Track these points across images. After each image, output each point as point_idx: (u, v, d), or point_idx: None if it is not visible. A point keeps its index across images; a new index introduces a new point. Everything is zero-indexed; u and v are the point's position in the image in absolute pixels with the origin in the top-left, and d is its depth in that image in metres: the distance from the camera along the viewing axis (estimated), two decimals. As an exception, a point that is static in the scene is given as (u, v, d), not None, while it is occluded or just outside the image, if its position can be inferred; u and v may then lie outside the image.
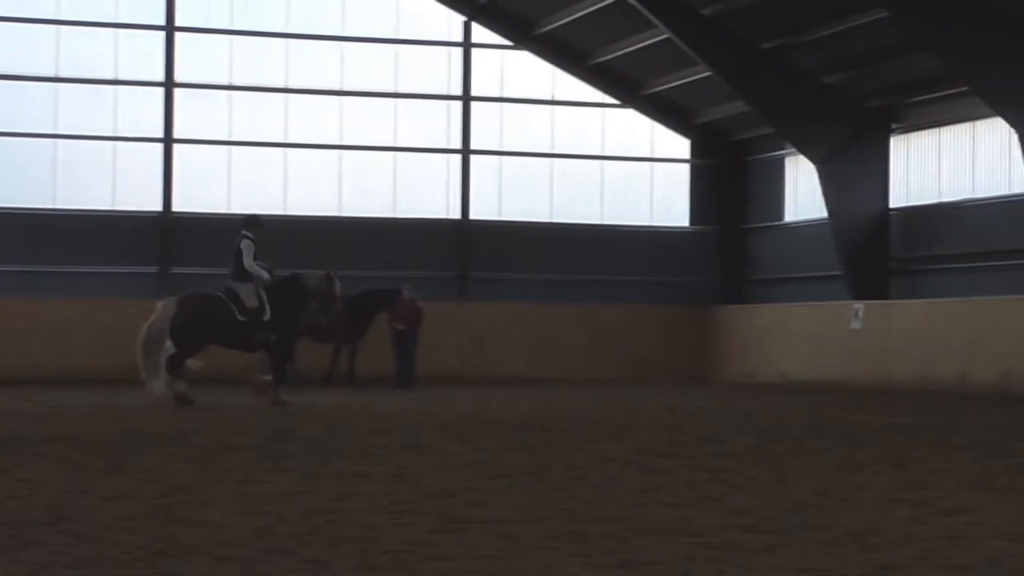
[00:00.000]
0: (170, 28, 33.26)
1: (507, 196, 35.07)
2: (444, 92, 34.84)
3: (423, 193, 34.61)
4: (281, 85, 33.88)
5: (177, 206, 33.18)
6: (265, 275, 20.89)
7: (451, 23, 34.77)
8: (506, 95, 35.17)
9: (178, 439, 14.14)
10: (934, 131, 30.63)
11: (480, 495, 9.44)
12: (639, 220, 35.75)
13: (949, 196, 30.22)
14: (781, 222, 35.02)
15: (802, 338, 31.60)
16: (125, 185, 33.00)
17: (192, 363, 21.07)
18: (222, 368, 24.07)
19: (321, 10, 34.02)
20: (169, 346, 20.55)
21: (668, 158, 36.11)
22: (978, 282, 28.79)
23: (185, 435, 14.69)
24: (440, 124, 34.84)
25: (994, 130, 28.23)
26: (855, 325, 30.21)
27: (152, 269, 33.00)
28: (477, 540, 7.45)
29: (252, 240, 21.10)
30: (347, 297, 29.50)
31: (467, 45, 34.92)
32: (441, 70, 34.81)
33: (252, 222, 21.55)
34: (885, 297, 30.91)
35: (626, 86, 35.27)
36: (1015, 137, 26.52)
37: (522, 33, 34.78)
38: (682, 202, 36.25)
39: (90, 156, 32.95)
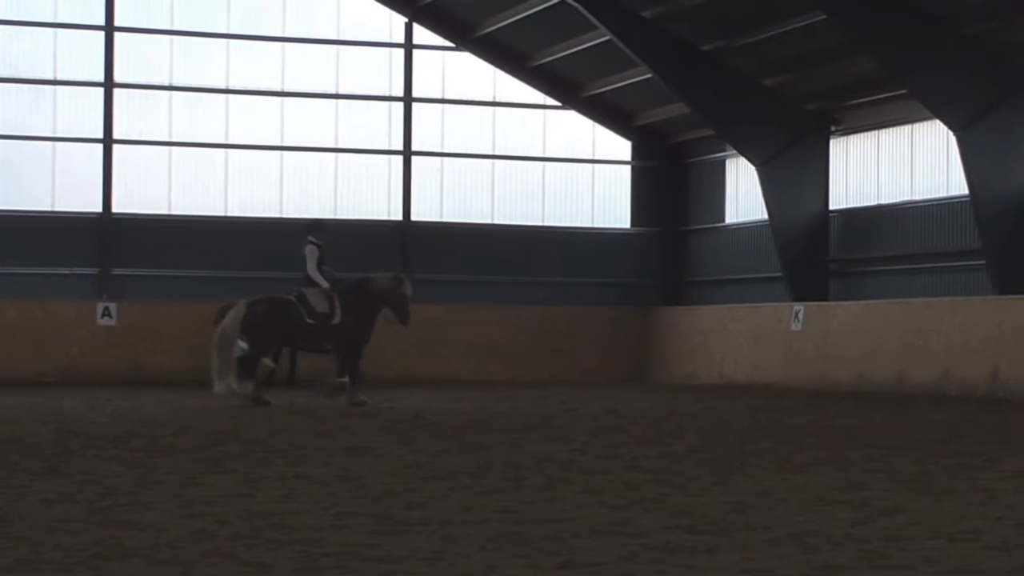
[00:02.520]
0: (109, 28, 33.03)
1: (448, 197, 35.05)
2: (385, 93, 34.79)
3: (364, 194, 34.55)
4: (222, 86, 33.71)
5: (117, 207, 32.95)
6: (324, 283, 20.90)
7: (392, 24, 34.72)
8: (447, 96, 35.15)
9: (117, 441, 14.05)
10: (873, 133, 30.87)
11: (421, 497, 9.44)
12: (580, 222, 35.82)
13: (888, 198, 30.46)
14: (722, 224, 35.18)
15: (743, 339, 31.77)
16: (65, 186, 32.74)
17: (265, 361, 21.47)
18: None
19: (262, 11, 33.88)
20: (242, 347, 20.80)
21: (609, 160, 36.21)
22: (916, 284, 29.04)
23: (124, 437, 14.60)
24: (381, 125, 34.79)
25: (932, 133, 28.48)
26: (795, 326, 30.40)
27: (92, 271, 32.76)
28: (418, 542, 7.45)
29: (316, 245, 21.17)
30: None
31: (408, 46, 34.88)
32: (382, 71, 34.76)
33: (315, 226, 21.63)
34: (824, 298, 31.12)
35: (567, 88, 35.34)
36: (953, 139, 26.77)
37: (463, 34, 34.78)
38: (623, 204, 36.36)
39: (29, 156, 32.66)
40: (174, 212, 33.29)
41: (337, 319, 20.88)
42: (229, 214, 33.54)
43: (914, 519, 8.44)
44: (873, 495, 9.67)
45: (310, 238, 21.36)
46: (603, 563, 6.86)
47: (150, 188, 33.21)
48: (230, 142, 33.72)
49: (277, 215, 33.81)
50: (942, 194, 28.76)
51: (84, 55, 32.95)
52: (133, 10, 33.16)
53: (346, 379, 21.19)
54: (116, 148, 33.12)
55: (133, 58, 33.25)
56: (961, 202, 27.39)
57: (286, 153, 34.05)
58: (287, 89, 34.06)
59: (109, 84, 33.01)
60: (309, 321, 20.87)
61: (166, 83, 33.41)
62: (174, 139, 33.45)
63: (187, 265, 32.94)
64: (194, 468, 11.33)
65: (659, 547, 7.32)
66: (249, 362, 20.97)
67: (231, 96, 33.74)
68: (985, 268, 26.79)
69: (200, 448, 13.38)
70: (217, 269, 33.00)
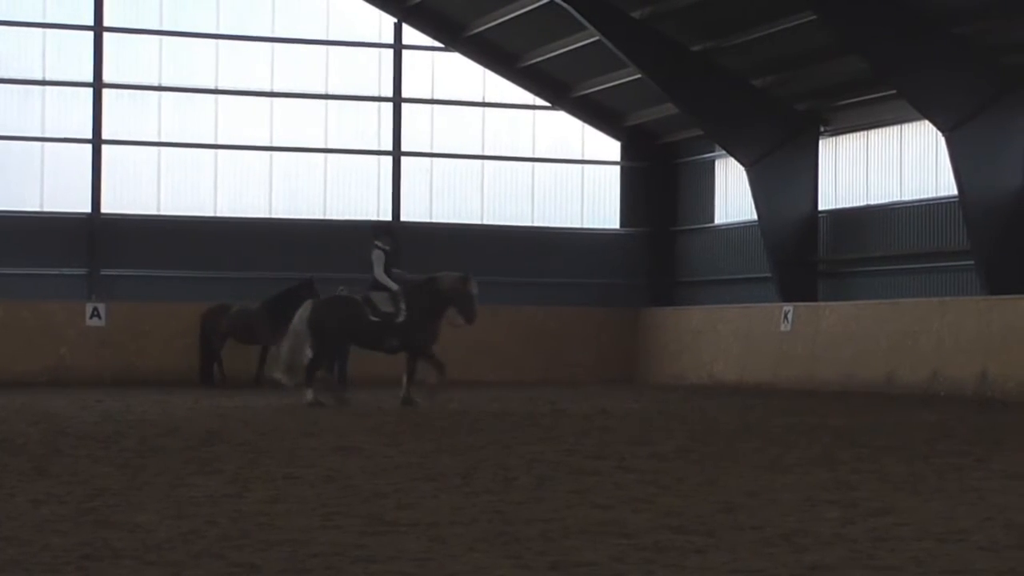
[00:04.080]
0: (98, 28, 32.99)
1: (438, 198, 35.05)
2: (375, 94, 34.78)
3: (354, 195, 34.53)
4: (211, 86, 33.68)
5: (106, 208, 32.91)
6: (394, 286, 21.01)
7: (382, 25, 34.71)
8: (437, 97, 35.15)
9: (106, 442, 14.03)
10: (862, 134, 30.92)
11: (410, 497, 9.43)
12: (570, 222, 35.84)
13: (877, 199, 30.50)
14: (711, 224, 35.21)
15: (732, 340, 31.78)
16: (53, 186, 32.70)
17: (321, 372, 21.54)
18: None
19: (251, 11, 33.86)
20: (310, 347, 21.07)
21: (598, 160, 36.24)
22: (905, 284, 29.09)
23: (113, 438, 14.58)
24: (371, 126, 34.78)
25: (921, 133, 28.52)
26: (784, 327, 30.43)
27: (81, 271, 32.72)
28: (408, 543, 7.45)
29: (383, 249, 21.23)
30: (267, 298, 29.46)
31: (398, 47, 34.87)
32: (372, 72, 34.75)
33: (382, 230, 21.69)
34: (813, 299, 31.15)
35: (557, 88, 35.35)
36: (942, 140, 26.82)
37: (453, 35, 34.77)
38: (613, 204, 36.38)
39: (18, 157, 32.61)
40: (163, 212, 33.25)
41: (402, 317, 20.95)
42: (218, 214, 33.51)
43: (903, 519, 8.45)
44: (862, 495, 9.68)
45: (376, 242, 21.37)
46: (593, 563, 6.86)
47: (139, 188, 33.17)
48: (219, 143, 33.69)
49: (266, 215, 33.79)
50: (931, 195, 28.81)
51: (73, 55, 32.91)
52: (122, 10, 33.12)
53: (438, 378, 21.24)
54: (105, 148, 33.08)
55: (122, 58, 33.21)
56: (950, 203, 27.44)
57: (275, 153, 34.04)
58: (276, 89, 34.04)
59: (98, 84, 32.97)
60: (373, 319, 20.98)
61: (155, 83, 33.37)
62: (163, 139, 33.41)
63: (176, 266, 32.91)
64: (183, 469, 11.31)
65: (649, 547, 7.32)
66: (314, 365, 21.21)
67: (220, 96, 33.71)
68: (974, 268, 26.84)
69: (189, 449, 13.37)
70: (206, 270, 32.99)
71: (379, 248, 21.26)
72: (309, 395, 20.94)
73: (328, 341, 21.28)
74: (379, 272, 21.08)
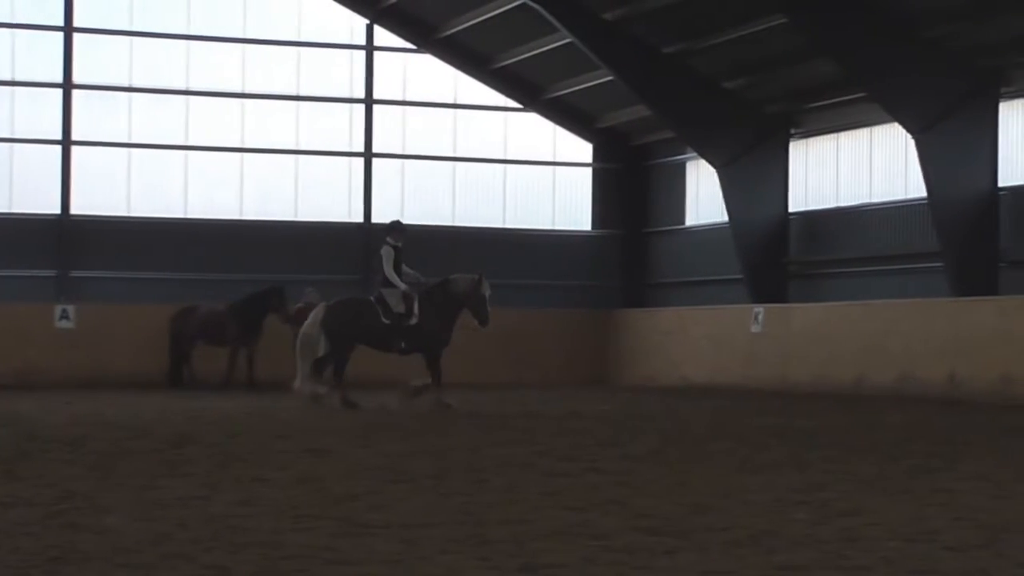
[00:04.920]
0: (68, 29, 32.84)
1: (410, 199, 34.99)
2: (346, 95, 34.72)
3: (325, 196, 34.46)
4: (182, 87, 33.56)
5: (76, 209, 32.76)
6: (401, 284, 20.93)
7: (353, 26, 34.65)
8: (408, 99, 35.11)
9: (75, 444, 13.97)
10: (832, 136, 31.00)
11: (382, 499, 9.42)
12: (541, 224, 35.84)
13: (847, 201, 30.58)
14: (682, 226, 35.26)
15: (703, 341, 31.85)
16: (23, 188, 32.52)
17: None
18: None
19: (222, 12, 33.74)
20: (323, 348, 21.12)
21: (570, 162, 36.24)
22: (875, 286, 29.18)
23: (83, 440, 14.52)
24: (342, 127, 34.72)
25: (891, 135, 28.61)
26: (755, 328, 30.50)
27: (50, 273, 32.55)
28: (379, 545, 7.44)
29: (393, 247, 21.18)
30: (235, 300, 29.40)
31: (369, 48, 34.82)
32: (343, 73, 34.69)
33: (393, 228, 21.56)
34: (784, 300, 31.23)
35: (528, 90, 35.35)
36: (911, 142, 26.91)
37: (425, 37, 34.74)
38: (584, 206, 36.40)
39: (-14, 158, 32.45)
40: (133, 214, 33.11)
41: (415, 320, 20.94)
42: (189, 216, 33.39)
43: (872, 520, 8.48)
44: (832, 496, 9.71)
45: (387, 239, 21.36)
46: (564, 565, 6.86)
47: (109, 190, 33.02)
48: (190, 144, 33.57)
49: (237, 217, 33.69)
50: (900, 197, 28.91)
51: (42, 56, 32.75)
52: (92, 11, 32.98)
53: (428, 382, 21.20)
54: (75, 149, 32.94)
55: (92, 59, 33.06)
56: (919, 205, 27.54)
57: (246, 155, 33.93)
58: (247, 91, 33.94)
59: (68, 85, 32.83)
60: (385, 321, 20.99)
61: (125, 84, 33.24)
62: (133, 140, 33.26)
63: (146, 267, 32.77)
64: (153, 471, 11.28)
65: (620, 549, 7.33)
66: (325, 364, 21.22)
67: (191, 97, 33.60)
68: (943, 270, 26.95)
69: (159, 451, 13.32)
70: (176, 271, 32.87)
71: (389, 245, 21.26)
72: (319, 388, 20.94)
73: (341, 343, 21.26)
74: (388, 269, 21.07)
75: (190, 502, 9.23)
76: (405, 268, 21.32)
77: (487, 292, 21.36)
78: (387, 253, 21.15)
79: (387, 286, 21.12)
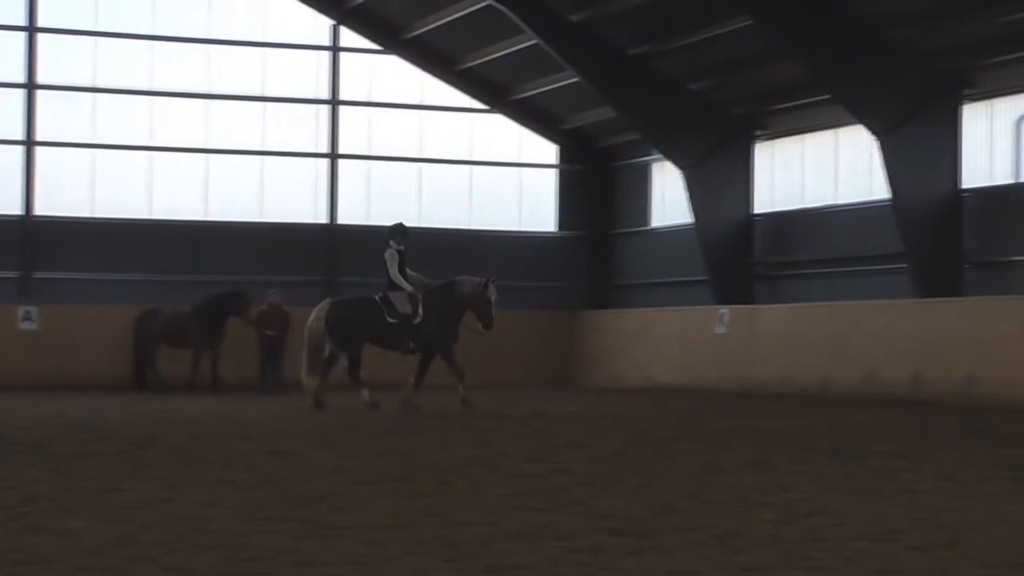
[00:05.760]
0: (31, 29, 32.66)
1: (375, 201, 34.94)
2: (312, 96, 34.64)
3: (291, 197, 34.37)
4: (146, 88, 33.42)
5: (39, 210, 32.58)
6: (408, 286, 20.95)
7: (319, 27, 34.57)
8: (374, 100, 35.06)
9: (39, 447, 13.89)
10: (798, 138, 31.10)
11: (347, 501, 9.40)
12: (507, 225, 35.83)
13: (812, 202, 30.69)
14: (648, 227, 35.32)
15: (669, 342, 31.90)
16: (-15, 188, 32.36)
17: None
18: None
19: (187, 12, 33.61)
20: (328, 347, 21.18)
21: (536, 163, 36.25)
22: (840, 287, 29.28)
23: (46, 442, 14.44)
24: (308, 128, 34.63)
25: (856, 137, 28.72)
26: (720, 329, 30.57)
27: (13, 274, 32.35)
28: (344, 546, 7.42)
29: (396, 250, 21.18)
30: (199, 302, 29.31)
31: (335, 49, 34.75)
32: (309, 74, 34.61)
33: (396, 231, 21.55)
34: (749, 302, 31.31)
35: (494, 91, 35.34)
36: (876, 144, 27.02)
37: (391, 37, 34.69)
38: (550, 207, 36.42)
39: (-51, 158, 32.26)
40: (97, 215, 32.94)
41: (419, 320, 20.90)
42: (153, 217, 33.25)
43: (837, 520, 8.51)
44: (797, 497, 9.74)
45: (391, 242, 21.36)
46: (529, 566, 6.86)
47: (73, 190, 32.85)
48: (154, 145, 33.43)
49: (202, 218, 33.57)
50: (865, 198, 29.02)
51: (5, 56, 32.55)
52: (55, 11, 32.80)
53: (414, 384, 21.28)
54: (38, 150, 32.75)
55: (56, 59, 32.89)
56: (884, 206, 27.65)
57: (211, 156, 33.81)
58: (212, 91, 33.82)
59: (31, 85, 32.64)
60: (391, 320, 21.02)
61: (89, 85, 33.08)
62: (97, 141, 33.09)
63: (110, 268, 32.60)
64: (117, 473, 11.22)
65: (585, 550, 7.33)
66: (331, 363, 21.29)
67: (155, 98, 33.45)
68: (907, 271, 27.07)
69: (123, 453, 13.26)
70: (141, 272, 32.71)
71: (393, 248, 21.26)
72: (365, 395, 20.95)
73: (346, 341, 21.24)
74: (393, 271, 21.14)
75: (154, 504, 9.19)
76: (408, 271, 21.35)
77: (493, 296, 21.42)
78: (391, 256, 21.23)
79: (392, 289, 21.16)
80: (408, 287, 21.10)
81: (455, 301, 21.34)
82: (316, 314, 21.54)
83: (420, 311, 21.05)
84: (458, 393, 21.31)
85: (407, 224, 22.49)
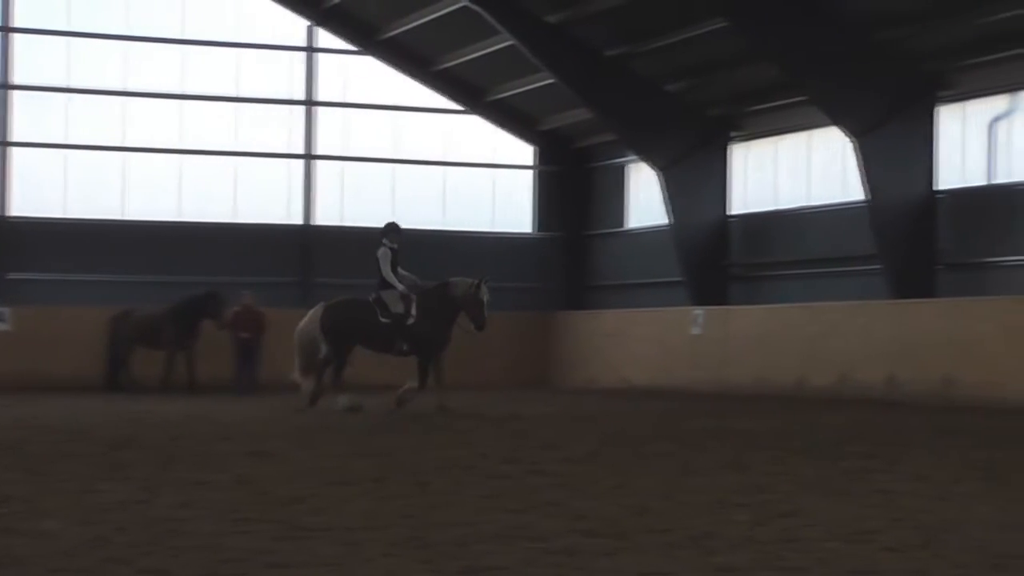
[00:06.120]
0: (6, 29, 32.55)
1: (350, 201, 34.91)
2: (287, 97, 34.58)
3: (265, 198, 34.31)
4: (120, 88, 33.32)
5: (12, 210, 32.47)
6: (400, 285, 20.94)
7: (295, 27, 34.51)
8: (350, 100, 35.02)
9: (13, 448, 13.84)
10: (772, 139, 31.17)
11: (323, 502, 9.39)
12: (483, 226, 35.83)
13: (787, 203, 30.77)
14: (623, 228, 35.36)
15: (644, 343, 31.93)
16: (-41, 189, 32.22)
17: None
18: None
19: (161, 12, 33.52)
20: (323, 349, 21.11)
21: (512, 164, 36.26)
22: (815, 288, 29.35)
23: (20, 444, 14.38)
24: (283, 129, 34.57)
25: (830, 139, 28.79)
26: (695, 330, 30.62)
27: (-14, 274, 32.25)
28: (321, 548, 7.41)
29: (390, 248, 21.17)
30: (173, 303, 29.21)
31: (311, 50, 34.70)
32: (285, 75, 34.55)
33: (390, 230, 21.56)
34: (725, 303, 31.37)
35: (471, 92, 35.34)
36: (850, 146, 27.10)
37: (367, 38, 34.66)
38: (526, 208, 36.43)
39: (-78, 158, 32.10)
40: (70, 216, 32.83)
41: (412, 320, 20.92)
42: (127, 218, 33.15)
43: (811, 521, 8.53)
44: (771, 497, 9.76)
45: (384, 241, 21.35)
46: (504, 567, 6.87)
47: (46, 191, 32.74)
48: (128, 145, 33.33)
49: (176, 219, 33.48)
50: (839, 199, 29.10)
51: (-20, 56, 32.45)
52: (30, 11, 32.69)
53: (416, 385, 21.27)
54: (12, 151, 32.64)
55: (29, 59, 32.77)
56: (859, 207, 27.73)
57: (185, 156, 33.72)
58: (187, 92, 33.74)
59: (5, 86, 32.53)
60: (384, 321, 21.00)
61: (63, 85, 32.96)
62: (71, 142, 33.00)
63: (84, 269, 32.50)
64: (92, 475, 11.19)
65: (560, 551, 7.34)
66: (324, 365, 21.24)
67: (130, 99, 33.35)
68: (882, 273, 27.16)
69: (99, 454, 13.22)
70: (115, 273, 32.61)
71: (386, 247, 21.25)
72: (343, 400, 20.87)
73: (340, 343, 21.25)
74: (386, 270, 21.12)
75: (129, 505, 9.16)
76: (401, 271, 21.35)
77: (486, 297, 21.43)
78: (384, 255, 21.21)
79: (385, 288, 21.15)
80: (400, 286, 21.11)
81: (449, 302, 21.35)
82: (310, 317, 21.49)
83: (413, 311, 21.05)
84: (437, 399, 21.28)
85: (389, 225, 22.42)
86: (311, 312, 21.70)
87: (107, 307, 30.44)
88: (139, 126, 33.38)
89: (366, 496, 9.79)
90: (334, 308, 21.49)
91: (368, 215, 34.82)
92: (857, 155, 26.79)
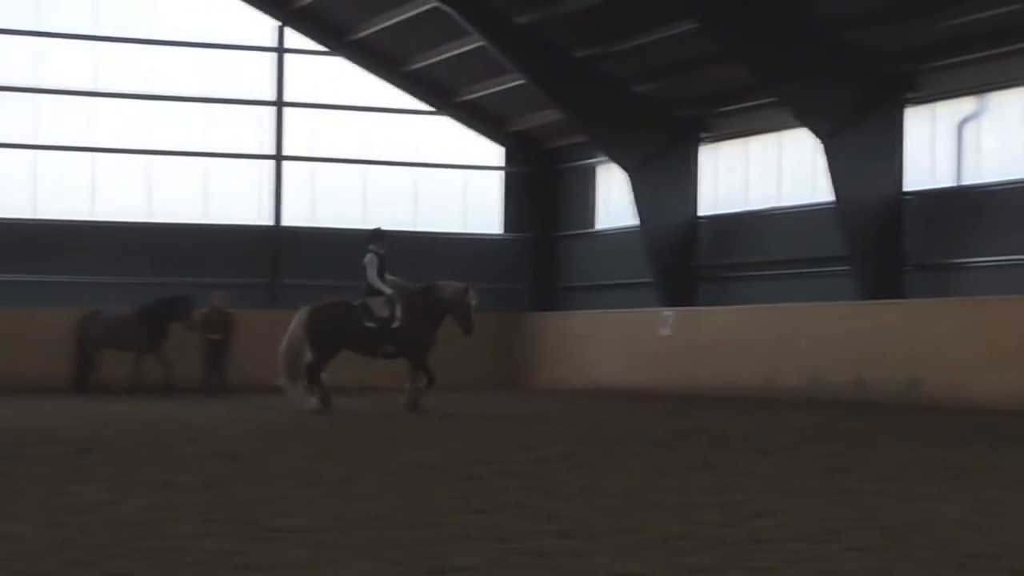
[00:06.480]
0: (-28, 29, 32.40)
1: (320, 202, 34.85)
2: (257, 98, 34.50)
3: (235, 199, 34.22)
4: (89, 89, 33.17)
5: (-20, 211, 32.33)
6: (387, 290, 20.89)
7: (264, 28, 34.42)
8: (320, 101, 34.95)
9: (-21, 450, 13.76)
10: (742, 141, 31.25)
11: (292, 504, 9.36)
12: (453, 227, 35.81)
13: (756, 204, 30.85)
14: (593, 229, 35.39)
15: (614, 345, 31.96)
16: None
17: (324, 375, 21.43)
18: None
19: (130, 12, 33.39)
20: (308, 354, 21.04)
21: (482, 165, 36.26)
22: (784, 289, 29.43)
23: (-13, 446, 14.31)
24: (253, 130, 34.48)
25: (799, 140, 28.89)
26: (665, 331, 30.66)
27: (-47, 276, 32.07)
28: (288, 549, 7.39)
29: (377, 254, 21.17)
30: (141, 305, 29.08)
31: (280, 50, 34.62)
32: (254, 75, 34.45)
33: (376, 236, 21.55)
34: (694, 304, 31.43)
35: (441, 93, 35.31)
36: (819, 147, 27.19)
37: (337, 39, 34.60)
38: (496, 209, 36.43)
39: None
40: (39, 216, 32.68)
41: (398, 324, 20.84)
42: (96, 219, 33.01)
43: (780, 521, 8.55)
44: (741, 498, 9.78)
45: (371, 247, 21.32)
46: (474, 568, 6.86)
47: (15, 192, 32.57)
48: (97, 146, 33.20)
49: (146, 220, 33.36)
50: (808, 200, 29.18)
51: (-54, 56, 32.29)
52: (-3, 10, 32.55)
53: (421, 385, 21.22)
54: (-20, 151, 32.47)
55: (-4, 59, 32.63)
56: (827, 209, 27.82)
57: (155, 157, 33.60)
58: (156, 92, 33.61)
59: (-28, 86, 32.38)
60: (369, 325, 21.00)
61: (31, 85, 32.80)
62: (39, 143, 32.84)
63: (53, 270, 32.35)
64: (58, 477, 11.13)
65: (530, 552, 7.33)
66: (314, 369, 21.13)
67: (98, 99, 33.22)
68: (850, 273, 27.25)
69: (65, 456, 13.15)
70: (84, 274, 32.47)
71: (373, 252, 21.22)
72: (313, 402, 20.81)
73: (325, 346, 21.16)
74: (372, 276, 21.13)
75: (96, 508, 9.12)
76: (388, 275, 21.34)
77: (473, 301, 21.43)
78: (371, 260, 21.23)
79: (372, 293, 21.15)
80: (387, 291, 21.11)
81: (435, 305, 21.35)
82: (296, 321, 21.43)
83: (398, 314, 21.03)
84: (406, 393, 21.28)
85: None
86: (296, 316, 21.61)
87: (76, 308, 30.29)
88: (108, 127, 33.26)
89: (335, 497, 9.77)
90: (319, 312, 21.41)
91: (338, 216, 34.85)
92: (825, 156, 26.88)
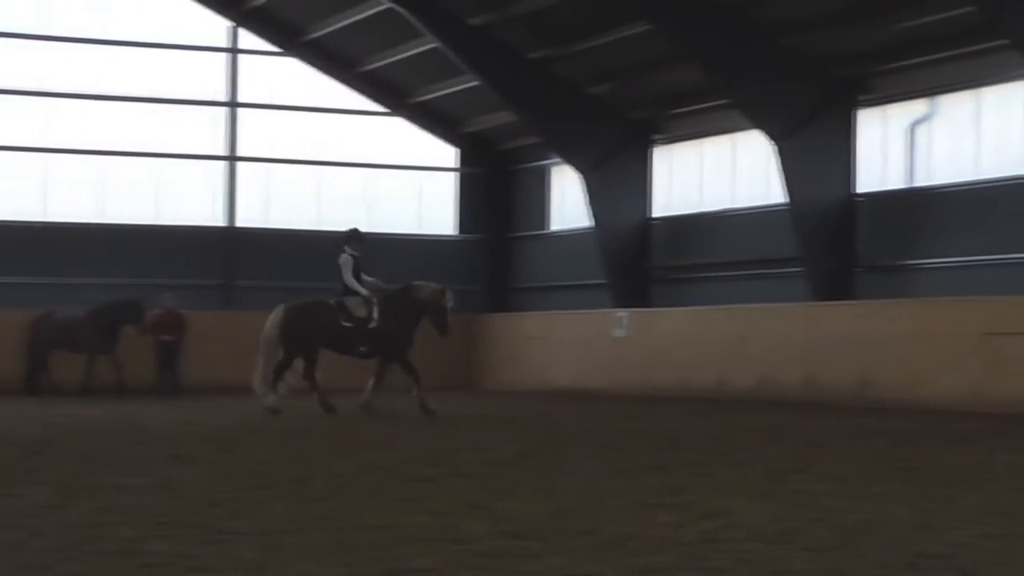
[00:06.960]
0: (-77, 27, 32.12)
1: (274, 203, 34.75)
2: (210, 98, 34.35)
3: (188, 200, 34.06)
4: (40, 89, 32.95)
5: (-70, 212, 32.06)
6: (363, 291, 20.86)
7: (217, 28, 34.28)
8: (273, 102, 34.84)
9: (-71, 453, 13.66)
10: (696, 142, 31.35)
11: (244, 505, 9.34)
12: (407, 229, 35.76)
13: (710, 206, 30.96)
14: (547, 231, 35.42)
15: (568, 346, 32.01)
16: None
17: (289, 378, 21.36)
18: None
19: (82, 12, 33.19)
20: (283, 352, 21.05)
21: (436, 167, 36.24)
22: (737, 290, 29.56)
23: (-64, 448, 14.20)
24: (206, 131, 34.34)
25: (753, 142, 29.01)
26: (619, 333, 30.73)
27: (-96, 277, 31.78)
28: (241, 551, 7.37)
29: (352, 255, 21.09)
30: (93, 306, 28.91)
31: (234, 51, 34.50)
32: (207, 76, 34.31)
33: (353, 237, 21.46)
34: (648, 305, 31.51)
35: (394, 94, 35.28)
36: (772, 149, 27.31)
37: (290, 40, 34.51)
38: (449, 211, 36.42)
39: None
40: (-9, 217, 32.45)
41: (374, 324, 20.82)
42: (48, 219, 32.79)
43: (732, 522, 8.58)
44: (693, 499, 9.82)
45: (346, 248, 21.22)
46: (427, 570, 6.86)
47: (-35, 193, 32.34)
48: (49, 146, 32.98)
49: (98, 221, 33.16)
50: (762, 202, 29.31)
51: None
52: (-53, 10, 32.29)
53: (416, 389, 21.23)
54: (-71, 151, 32.20)
55: (-53, 59, 32.37)
56: (780, 210, 27.96)
57: (107, 158, 33.40)
58: (108, 92, 33.42)
59: (-78, 85, 32.11)
60: (346, 324, 20.94)
61: (-19, 85, 32.58)
62: (-10, 143, 32.61)
63: (4, 271, 32.11)
64: (8, 479, 11.06)
65: (484, 553, 7.34)
66: (283, 368, 21.13)
67: (50, 99, 33.00)
68: (802, 275, 27.39)
69: (15, 458, 13.07)
70: (35, 275, 32.25)
71: (348, 254, 21.17)
72: (269, 399, 20.74)
73: (300, 346, 21.12)
74: (348, 277, 21.08)
75: (46, 510, 9.07)
76: (364, 276, 21.29)
77: (450, 303, 21.41)
78: (346, 261, 21.18)
79: (348, 294, 21.11)
80: (363, 291, 21.09)
81: (412, 306, 21.32)
82: (271, 320, 21.35)
83: (375, 314, 21.02)
84: (365, 397, 21.27)
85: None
86: (271, 315, 21.52)
87: (27, 309, 30.08)
88: (60, 127, 33.04)
89: (286, 499, 9.75)
90: (295, 311, 21.33)
91: (292, 217, 34.76)
92: (778, 158, 27.01)
